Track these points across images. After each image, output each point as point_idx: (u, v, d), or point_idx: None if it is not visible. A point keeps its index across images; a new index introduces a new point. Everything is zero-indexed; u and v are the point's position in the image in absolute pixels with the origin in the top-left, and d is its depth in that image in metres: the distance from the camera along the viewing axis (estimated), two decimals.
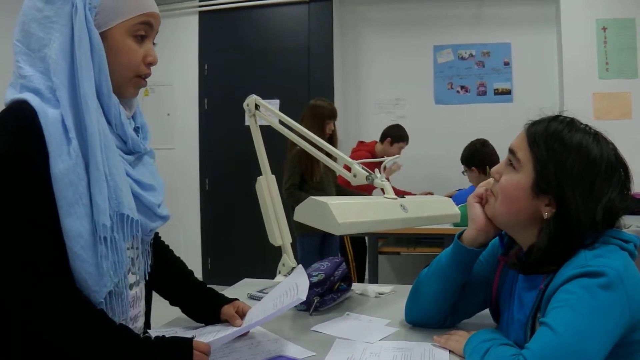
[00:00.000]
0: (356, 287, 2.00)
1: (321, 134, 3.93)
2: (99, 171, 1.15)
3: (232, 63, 5.80)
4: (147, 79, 1.32)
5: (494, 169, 1.33)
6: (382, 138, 4.94)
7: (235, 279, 2.25)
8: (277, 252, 2.07)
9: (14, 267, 1.08)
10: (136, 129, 1.35)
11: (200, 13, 5.92)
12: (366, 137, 5.44)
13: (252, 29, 5.81)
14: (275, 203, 2.03)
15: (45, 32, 1.18)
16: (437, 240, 3.92)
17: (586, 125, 1.26)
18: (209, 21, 5.92)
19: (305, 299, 1.33)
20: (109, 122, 1.22)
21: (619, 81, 5.05)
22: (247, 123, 2.08)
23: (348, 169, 1.82)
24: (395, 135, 4.87)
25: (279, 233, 2.03)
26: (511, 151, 1.28)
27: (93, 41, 1.18)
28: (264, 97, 2.02)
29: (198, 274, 1.61)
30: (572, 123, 1.25)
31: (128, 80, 1.27)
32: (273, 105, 4.15)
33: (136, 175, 1.28)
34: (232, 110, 5.17)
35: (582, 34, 5.10)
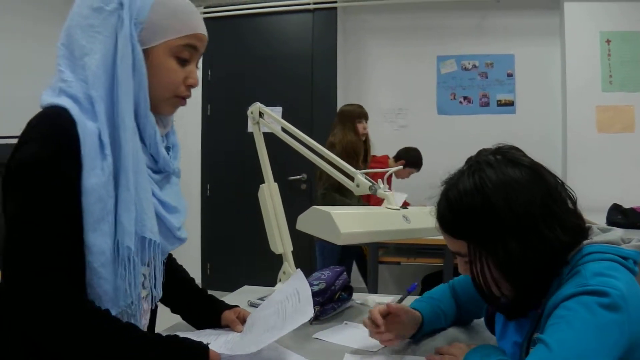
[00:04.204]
0: (357, 296, 1.99)
1: (355, 136, 3.99)
2: (129, 192, 1.14)
3: (236, 69, 5.80)
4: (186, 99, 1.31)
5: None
6: (397, 159, 4.92)
7: (235, 286, 2.25)
8: (278, 259, 2.06)
9: (25, 268, 1.04)
10: (167, 148, 1.34)
11: (205, 20, 5.89)
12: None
13: (256, 36, 5.82)
14: (277, 211, 2.03)
15: (88, 41, 1.16)
16: (437, 250, 3.91)
17: (472, 166, 1.21)
18: (214, 28, 5.90)
19: (312, 315, 1.32)
20: (142, 141, 1.21)
21: (622, 94, 5.04)
22: (250, 130, 2.08)
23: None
24: (409, 161, 4.84)
25: (280, 241, 2.03)
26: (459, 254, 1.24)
27: (135, 58, 1.17)
28: (266, 104, 2.02)
29: (198, 280, 1.60)
30: (461, 177, 1.20)
31: (166, 100, 1.26)
32: (276, 112, 4.17)
33: (162, 197, 1.27)
34: (235, 117, 5.19)
35: (586, 46, 5.10)
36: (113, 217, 1.13)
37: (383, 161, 4.83)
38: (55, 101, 1.12)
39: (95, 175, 1.09)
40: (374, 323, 1.44)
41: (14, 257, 1.05)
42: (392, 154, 4.99)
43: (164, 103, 1.26)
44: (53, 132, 1.08)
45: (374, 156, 5.00)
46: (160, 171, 1.28)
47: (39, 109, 1.15)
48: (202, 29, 1.27)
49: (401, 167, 3.76)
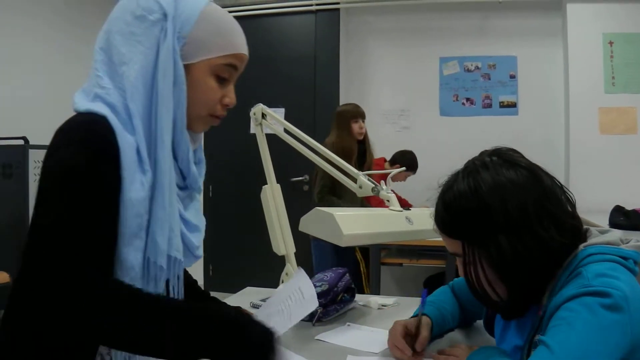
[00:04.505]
0: (359, 298, 1.99)
1: (350, 137, 3.95)
2: (164, 211, 1.11)
3: None
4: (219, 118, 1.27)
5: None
6: (392, 162, 4.92)
7: (238, 287, 2.25)
8: (281, 261, 2.07)
9: (49, 263, 0.97)
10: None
11: None
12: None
13: (258, 38, 5.82)
14: (280, 212, 2.03)
15: (128, 49, 1.12)
16: (439, 252, 3.91)
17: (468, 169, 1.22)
18: None
19: (317, 305, 1.32)
20: (175, 157, 1.18)
21: (625, 96, 5.04)
22: (252, 131, 2.08)
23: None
24: (407, 164, 4.83)
25: (282, 242, 2.03)
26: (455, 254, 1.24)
27: (176, 74, 1.13)
28: (269, 105, 2.03)
29: (200, 282, 1.60)
30: (457, 179, 1.21)
31: (201, 118, 1.22)
32: (278, 113, 4.17)
33: (186, 215, 1.24)
34: (237, 117, 5.17)
35: (589, 47, 5.10)
36: (145, 234, 1.10)
37: (379, 164, 4.83)
38: (92, 107, 1.08)
39: (135, 190, 1.06)
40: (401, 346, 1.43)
41: (36, 254, 0.99)
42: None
43: (198, 121, 1.22)
44: (91, 137, 1.04)
45: None
46: (186, 187, 1.26)
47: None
48: (245, 49, 1.24)
49: (403, 169, 3.76)
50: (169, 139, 1.13)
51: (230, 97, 1.25)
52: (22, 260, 1.02)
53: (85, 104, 1.10)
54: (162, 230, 1.11)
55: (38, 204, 1.02)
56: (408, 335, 1.42)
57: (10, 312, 1.10)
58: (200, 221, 1.32)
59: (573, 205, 1.19)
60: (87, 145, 1.03)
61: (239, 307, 1.22)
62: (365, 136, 4.15)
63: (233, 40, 1.21)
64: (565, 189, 1.19)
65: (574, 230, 1.16)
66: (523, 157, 1.22)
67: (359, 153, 4.15)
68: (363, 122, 4.12)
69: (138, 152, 1.08)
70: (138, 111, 1.10)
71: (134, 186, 1.06)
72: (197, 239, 1.28)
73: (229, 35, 1.21)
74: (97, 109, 1.08)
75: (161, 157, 1.11)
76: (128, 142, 1.06)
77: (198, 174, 1.29)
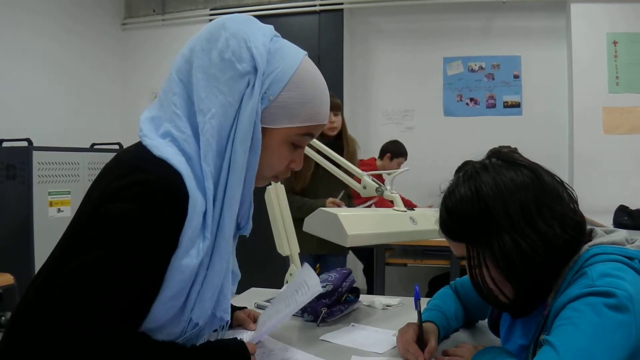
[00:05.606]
0: (363, 298, 1.99)
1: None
2: (218, 278, 1.08)
3: None
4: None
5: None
6: (381, 154, 4.92)
7: (242, 288, 2.24)
8: (285, 261, 2.07)
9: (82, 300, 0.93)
10: None
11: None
12: (374, 147, 5.43)
13: None
14: (284, 213, 2.03)
15: (207, 95, 1.04)
16: (444, 252, 3.91)
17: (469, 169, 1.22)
18: None
19: (321, 290, 1.33)
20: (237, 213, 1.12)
21: (629, 95, 5.03)
22: None
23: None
24: (394, 151, 4.85)
25: (287, 243, 2.03)
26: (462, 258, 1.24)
27: (254, 138, 1.05)
28: None
29: None
30: (458, 182, 1.21)
31: (265, 178, 1.18)
32: None
33: (232, 265, 1.20)
34: None
35: (593, 47, 5.09)
36: (187, 294, 1.05)
37: (370, 164, 4.82)
38: (168, 157, 1.01)
39: (189, 257, 1.01)
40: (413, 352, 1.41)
41: (65, 290, 0.94)
42: None
43: (260, 179, 1.16)
44: (166, 201, 0.98)
45: (361, 160, 4.94)
46: (237, 234, 1.22)
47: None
48: (326, 119, 1.16)
49: (407, 169, 3.76)
50: (236, 208, 1.08)
51: (298, 163, 1.18)
52: (47, 279, 1.00)
53: (159, 145, 1.03)
54: (213, 296, 1.08)
55: (85, 238, 0.96)
56: (418, 339, 1.42)
57: (20, 321, 1.04)
58: (236, 265, 1.26)
59: (575, 201, 1.19)
60: (161, 209, 0.97)
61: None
62: (343, 131, 3.47)
63: (319, 111, 1.13)
64: (567, 185, 1.20)
65: (577, 226, 1.15)
66: (522, 156, 1.22)
67: (335, 151, 3.46)
68: (335, 115, 3.36)
69: (204, 217, 1.03)
70: (211, 172, 1.03)
71: (189, 253, 1.01)
72: (234, 287, 1.23)
73: (316, 105, 1.13)
74: (174, 160, 1.01)
75: (228, 224, 1.07)
76: (198, 209, 1.01)
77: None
